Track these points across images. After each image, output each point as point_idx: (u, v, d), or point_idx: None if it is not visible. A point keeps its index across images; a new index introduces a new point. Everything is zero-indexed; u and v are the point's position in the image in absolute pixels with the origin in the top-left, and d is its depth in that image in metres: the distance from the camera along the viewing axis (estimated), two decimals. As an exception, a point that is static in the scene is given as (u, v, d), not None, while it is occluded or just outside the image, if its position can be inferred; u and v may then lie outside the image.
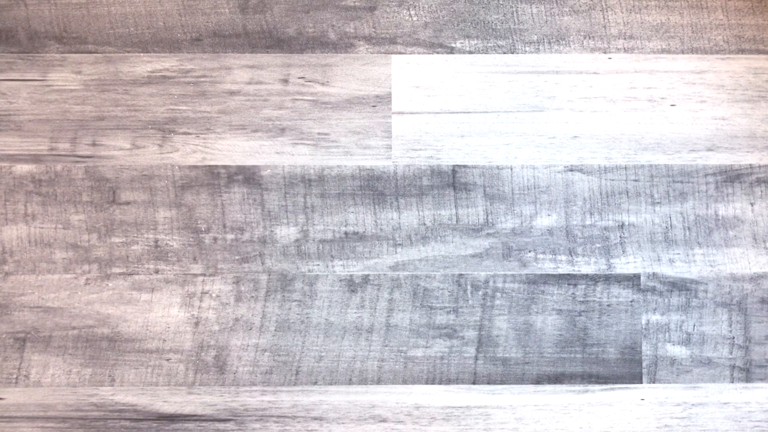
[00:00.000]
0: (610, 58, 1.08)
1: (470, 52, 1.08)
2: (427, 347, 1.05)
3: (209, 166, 1.06)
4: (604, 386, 1.05)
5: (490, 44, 1.08)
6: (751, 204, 1.07)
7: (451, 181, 1.07)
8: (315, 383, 1.05)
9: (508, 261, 1.06)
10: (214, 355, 1.05)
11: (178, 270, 1.05)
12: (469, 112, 1.08)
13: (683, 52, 1.09)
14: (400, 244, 1.06)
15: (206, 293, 1.05)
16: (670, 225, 1.06)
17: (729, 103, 1.08)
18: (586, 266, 1.06)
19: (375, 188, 1.06)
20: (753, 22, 1.09)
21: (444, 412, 1.04)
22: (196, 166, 1.06)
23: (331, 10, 1.09)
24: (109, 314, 1.05)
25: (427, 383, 1.05)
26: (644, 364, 1.05)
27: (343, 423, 1.04)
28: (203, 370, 1.04)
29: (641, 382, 1.05)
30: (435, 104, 1.08)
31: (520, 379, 1.05)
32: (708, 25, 1.09)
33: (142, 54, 1.08)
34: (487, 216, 1.06)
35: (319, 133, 1.07)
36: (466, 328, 1.05)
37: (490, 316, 1.05)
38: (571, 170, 1.07)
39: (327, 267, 1.06)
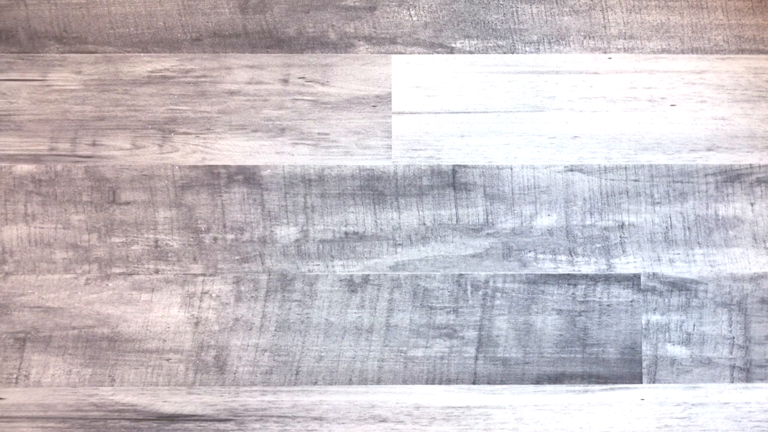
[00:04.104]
0: (610, 58, 1.08)
1: (470, 52, 1.08)
2: (427, 347, 1.05)
3: (209, 166, 1.06)
4: (604, 386, 1.05)
5: (490, 44, 1.08)
6: (751, 204, 1.07)
7: (451, 181, 1.07)
8: (315, 383, 1.05)
9: (508, 261, 1.06)
10: (214, 355, 1.05)
11: (178, 270, 1.05)
12: (469, 112, 1.08)
13: (683, 52, 1.09)
14: (400, 244, 1.06)
15: (206, 293, 1.05)
16: (670, 225, 1.07)
17: (729, 103, 1.08)
18: (586, 266, 1.06)
19: (375, 188, 1.07)
20: (753, 22, 1.09)
21: (444, 412, 1.04)
22: (196, 166, 1.06)
23: (331, 10, 1.09)
24: (109, 314, 1.05)
25: (427, 383, 1.05)
26: (644, 364, 1.05)
27: (343, 423, 1.04)
28: (203, 370, 1.04)
29: (641, 382, 1.05)
30: (435, 104, 1.08)
31: (520, 379, 1.05)
32: (708, 25, 1.09)
33: (142, 54, 1.08)
34: (487, 216, 1.06)
35: (319, 133, 1.07)
36: (466, 328, 1.05)
37: (490, 316, 1.05)
38: (571, 170, 1.07)
39: (327, 267, 1.06)
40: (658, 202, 1.07)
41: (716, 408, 1.05)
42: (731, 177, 1.07)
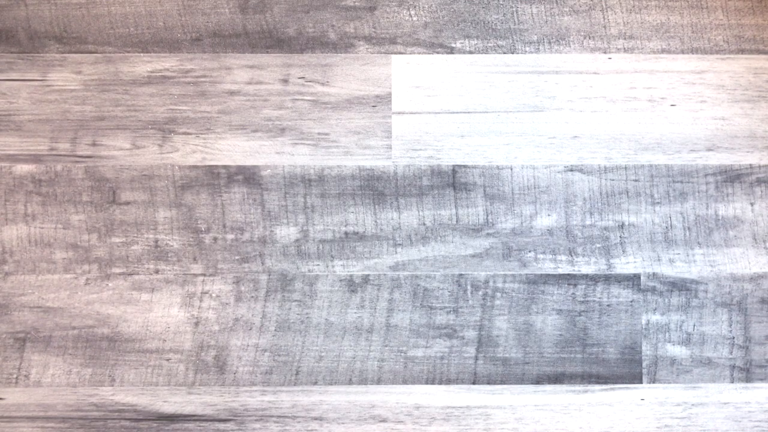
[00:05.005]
0: (610, 58, 1.08)
1: (470, 52, 1.08)
2: (427, 347, 1.05)
3: (209, 166, 1.06)
4: (604, 386, 1.05)
5: (490, 44, 1.08)
6: (751, 204, 1.07)
7: (451, 181, 1.07)
8: (315, 383, 1.05)
9: (508, 261, 1.06)
10: (214, 355, 1.05)
11: (178, 270, 1.05)
12: (469, 112, 1.08)
13: (683, 52, 1.09)
14: (400, 244, 1.06)
15: (206, 293, 1.05)
16: (670, 225, 1.07)
17: (729, 103, 1.08)
18: (586, 266, 1.06)
19: (375, 188, 1.07)
20: (753, 22, 1.09)
21: (444, 412, 1.04)
22: (196, 166, 1.06)
23: (331, 10, 1.09)
24: (109, 314, 1.05)
25: (427, 383, 1.05)
26: (644, 364, 1.05)
27: (343, 423, 1.04)
28: (203, 370, 1.04)
29: (641, 382, 1.05)
30: (435, 104, 1.08)
31: (520, 379, 1.05)
32: (708, 25, 1.09)
33: (142, 54, 1.08)
34: (487, 216, 1.06)
35: (319, 133, 1.07)
36: (466, 328, 1.05)
37: (490, 316, 1.05)
38: (571, 170, 1.07)
39: (327, 267, 1.06)
40: (658, 202, 1.07)
41: (716, 408, 1.05)
42: (731, 177, 1.07)
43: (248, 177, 1.06)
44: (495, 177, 1.07)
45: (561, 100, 1.08)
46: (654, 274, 1.06)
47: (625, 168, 1.07)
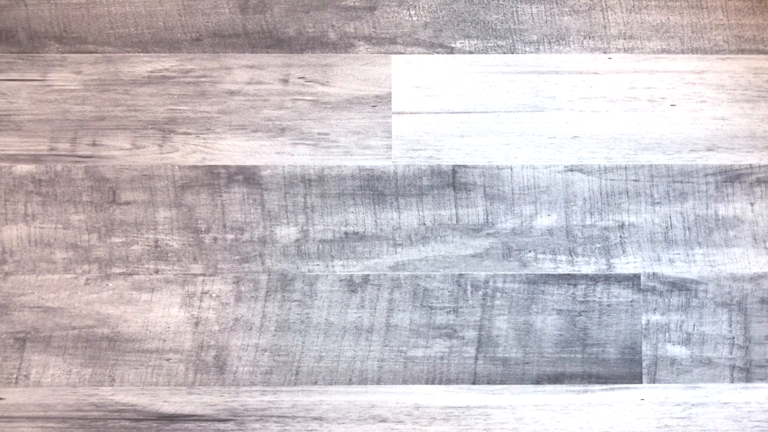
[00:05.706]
0: (610, 58, 1.08)
1: (470, 52, 1.08)
2: (427, 347, 1.05)
3: (209, 166, 1.06)
4: (604, 386, 1.05)
5: (490, 44, 1.08)
6: (751, 204, 1.07)
7: (451, 181, 1.07)
8: (315, 383, 1.05)
9: (508, 261, 1.06)
10: (214, 355, 1.05)
11: (178, 270, 1.05)
12: (469, 112, 1.08)
13: (683, 52, 1.09)
14: (400, 244, 1.06)
15: (206, 293, 1.05)
16: (670, 225, 1.07)
17: (729, 103, 1.08)
18: (586, 266, 1.06)
19: (375, 188, 1.07)
20: (753, 22, 1.09)
21: (444, 412, 1.04)
22: (196, 166, 1.06)
23: (331, 10, 1.09)
24: (109, 314, 1.05)
25: (427, 383, 1.05)
26: (644, 364, 1.05)
27: (343, 423, 1.04)
28: (203, 370, 1.04)
29: (641, 382, 1.05)
30: (435, 104, 1.08)
31: (520, 379, 1.05)
32: (708, 25, 1.09)
33: (142, 54, 1.08)
34: (487, 216, 1.06)
35: (319, 133, 1.07)
36: (466, 328, 1.05)
37: (490, 316, 1.05)
38: (571, 170, 1.07)
39: (327, 267, 1.06)
40: (658, 202, 1.07)
41: (716, 408, 1.05)
42: (731, 177, 1.07)
43: (248, 177, 1.06)
44: (495, 177, 1.07)
45: (561, 100, 1.08)
46: (654, 274, 1.06)
47: (625, 168, 1.07)
